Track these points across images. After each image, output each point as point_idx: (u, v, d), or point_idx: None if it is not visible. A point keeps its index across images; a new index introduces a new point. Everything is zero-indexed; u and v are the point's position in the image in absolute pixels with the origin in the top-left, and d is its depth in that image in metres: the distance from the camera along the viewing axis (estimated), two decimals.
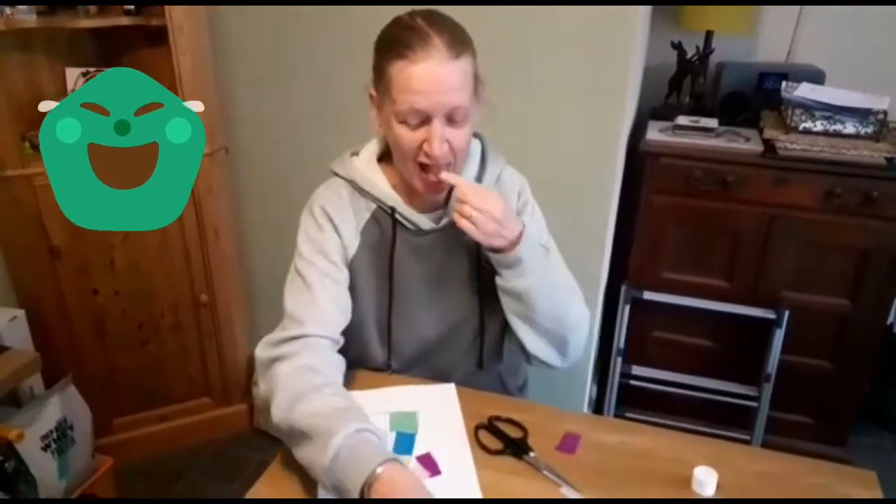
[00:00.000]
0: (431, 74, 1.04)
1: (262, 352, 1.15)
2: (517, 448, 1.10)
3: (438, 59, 1.04)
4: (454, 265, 1.26)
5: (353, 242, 1.21)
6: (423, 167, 1.12)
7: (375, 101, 1.14)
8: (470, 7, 1.71)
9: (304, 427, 1.00)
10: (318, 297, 1.16)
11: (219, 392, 2.36)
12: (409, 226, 1.22)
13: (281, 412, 1.04)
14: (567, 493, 1.01)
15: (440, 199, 1.23)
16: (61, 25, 1.90)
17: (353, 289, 1.22)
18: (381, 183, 1.22)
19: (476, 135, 1.27)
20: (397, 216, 1.21)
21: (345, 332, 1.21)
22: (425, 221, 1.22)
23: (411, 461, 1.07)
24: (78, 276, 2.02)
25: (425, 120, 1.08)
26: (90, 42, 2.08)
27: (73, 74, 2.02)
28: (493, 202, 1.10)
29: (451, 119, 1.08)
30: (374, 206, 1.22)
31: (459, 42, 1.07)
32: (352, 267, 1.22)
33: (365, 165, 1.23)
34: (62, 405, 1.84)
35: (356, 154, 1.26)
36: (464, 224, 1.09)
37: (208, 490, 2.18)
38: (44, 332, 2.01)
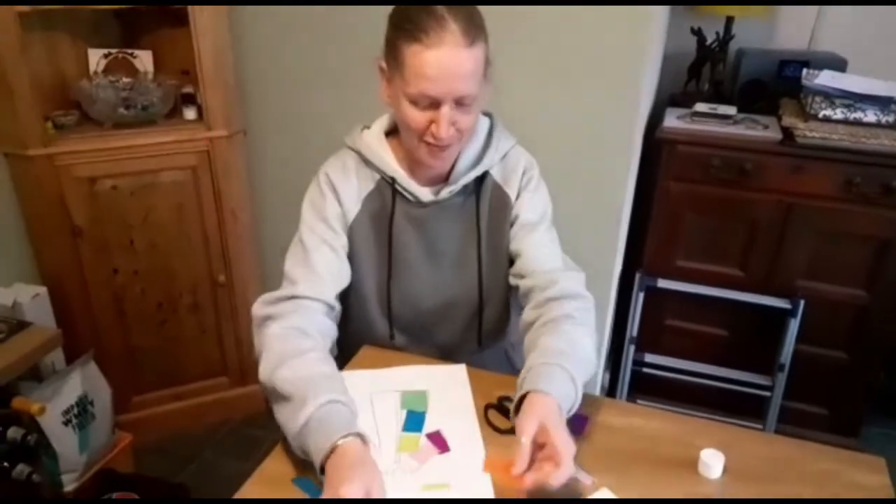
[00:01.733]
0: (445, 62, 1.05)
1: (257, 309, 1.19)
2: None
3: (453, 45, 1.04)
4: (452, 239, 1.28)
5: (353, 208, 1.25)
6: (428, 143, 1.14)
7: (386, 74, 1.16)
8: None
9: (283, 390, 1.04)
10: (314, 262, 1.20)
11: (235, 372, 2.40)
12: (409, 197, 1.24)
13: (266, 372, 1.08)
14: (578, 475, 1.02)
15: (442, 173, 1.25)
16: (84, 6, 1.92)
17: (352, 255, 1.26)
18: (386, 155, 1.25)
19: (487, 113, 1.29)
20: (397, 187, 1.24)
21: (347, 302, 1.27)
22: (425, 193, 1.24)
23: (421, 438, 1.09)
24: (98, 255, 2.05)
25: (434, 104, 1.09)
26: (112, 23, 2.11)
27: (95, 55, 2.05)
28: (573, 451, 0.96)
29: (459, 103, 1.10)
30: (378, 176, 1.26)
31: (474, 28, 1.07)
32: (351, 232, 1.25)
33: (373, 138, 1.26)
34: (83, 381, 1.88)
35: (368, 128, 1.29)
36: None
37: (224, 468, 2.22)
38: (65, 310, 2.05)
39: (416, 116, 1.11)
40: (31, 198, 1.98)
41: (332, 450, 0.94)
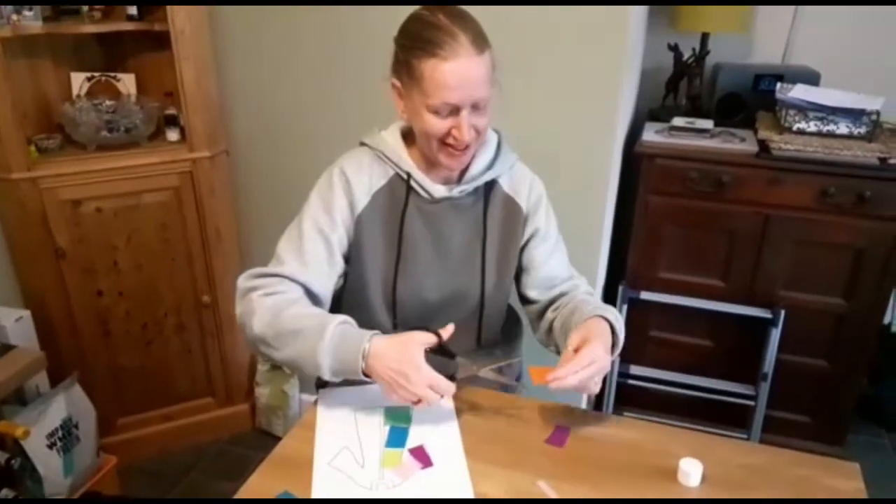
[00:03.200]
0: (462, 71, 1.13)
1: (242, 281, 1.26)
2: (443, 353, 1.15)
3: (467, 56, 1.13)
4: (460, 236, 1.33)
5: (363, 199, 1.29)
6: (449, 147, 1.22)
7: (400, 91, 1.22)
8: (467, 6, 1.75)
9: (293, 327, 1.16)
10: (306, 250, 1.26)
11: (221, 392, 2.39)
12: (422, 193, 1.30)
13: (264, 322, 1.18)
14: (543, 486, 1.03)
15: (455, 175, 1.31)
16: (66, 31, 1.93)
17: (358, 244, 1.30)
18: (403, 153, 1.30)
19: (494, 130, 1.37)
20: (412, 182, 1.29)
21: (347, 294, 1.35)
22: (438, 189, 1.29)
23: (404, 453, 1.10)
24: (83, 276, 2.05)
25: (455, 110, 1.17)
26: (95, 47, 2.12)
27: (78, 79, 2.06)
28: (590, 359, 1.12)
29: (475, 107, 1.18)
30: (392, 173, 1.31)
31: (482, 37, 1.16)
32: (359, 222, 1.29)
33: (392, 137, 1.32)
34: (67, 404, 1.87)
35: (384, 130, 1.35)
36: (594, 389, 1.15)
37: (211, 489, 2.21)
38: (49, 332, 2.04)
39: (438, 124, 1.18)
40: (14, 221, 1.98)
41: (369, 349, 1.10)
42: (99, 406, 2.00)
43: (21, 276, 2.08)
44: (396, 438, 1.14)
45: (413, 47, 1.16)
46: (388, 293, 1.33)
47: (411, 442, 1.13)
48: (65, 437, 1.85)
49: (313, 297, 1.26)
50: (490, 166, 1.32)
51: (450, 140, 1.20)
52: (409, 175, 1.29)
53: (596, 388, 1.14)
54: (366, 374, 1.12)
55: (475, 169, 1.31)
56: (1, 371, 1.74)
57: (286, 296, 1.21)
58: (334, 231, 1.28)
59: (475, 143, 1.24)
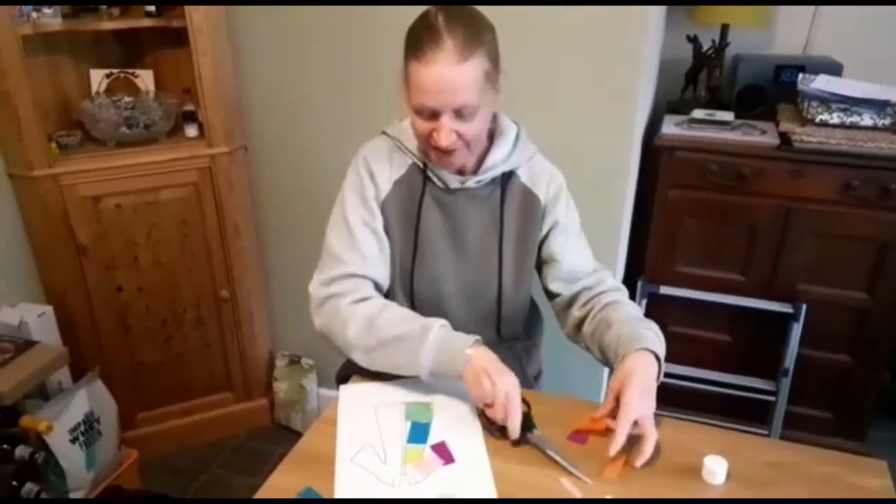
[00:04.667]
0: (438, 77, 1.12)
1: (315, 290, 1.29)
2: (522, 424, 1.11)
3: (446, 62, 1.11)
4: (475, 228, 1.33)
5: (385, 188, 1.32)
6: (434, 146, 1.21)
7: (403, 82, 1.21)
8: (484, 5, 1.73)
9: (393, 334, 1.19)
10: (359, 242, 1.29)
11: (240, 387, 2.41)
12: (438, 182, 1.31)
13: (361, 331, 1.21)
14: (567, 484, 1.03)
15: (471, 165, 1.31)
16: (85, 28, 1.94)
17: (385, 230, 1.32)
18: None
19: (513, 122, 1.35)
20: (428, 172, 1.30)
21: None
22: (453, 180, 1.30)
23: (426, 450, 1.10)
24: (103, 273, 2.07)
25: (435, 114, 1.16)
26: (113, 44, 2.13)
27: (97, 76, 2.07)
28: (632, 417, 1.08)
29: (459, 114, 1.16)
30: (410, 161, 1.32)
31: (471, 43, 1.13)
32: (384, 209, 1.31)
33: (409, 127, 1.31)
34: (89, 398, 1.89)
35: (404, 119, 1.34)
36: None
37: (230, 483, 2.23)
38: (71, 328, 2.06)
39: (421, 125, 1.20)
40: (35, 218, 2.00)
41: (471, 356, 1.13)
42: (119, 401, 2.02)
43: (43, 273, 2.09)
44: (418, 434, 1.13)
45: (407, 44, 1.16)
46: (406, 282, 1.34)
47: (433, 438, 1.12)
48: (87, 431, 1.87)
49: (380, 290, 1.30)
50: (507, 158, 1.32)
51: (432, 142, 1.20)
52: (425, 165, 1.29)
53: (650, 431, 1.07)
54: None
55: (491, 160, 1.30)
56: (24, 367, 1.76)
57: (374, 301, 1.25)
58: (376, 220, 1.30)
59: (463, 149, 1.22)
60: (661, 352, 1.21)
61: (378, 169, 1.31)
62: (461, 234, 1.33)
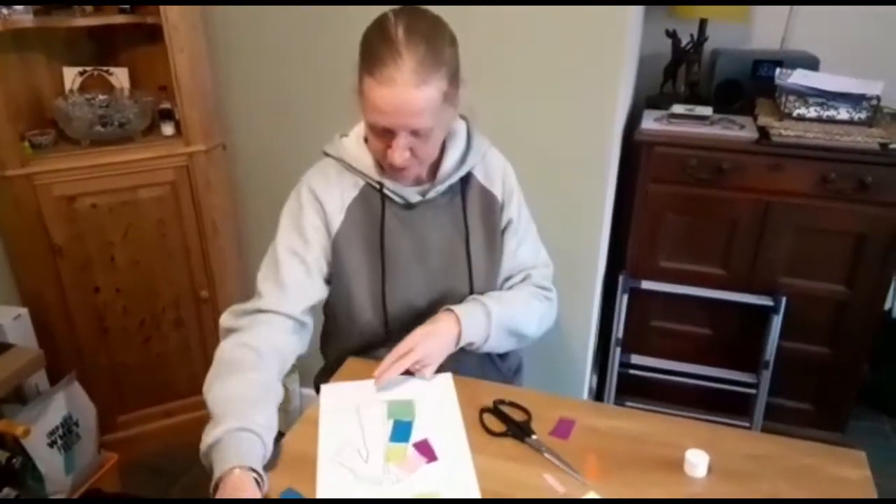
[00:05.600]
0: (393, 100, 1.07)
1: (224, 320, 1.24)
2: (519, 430, 1.12)
3: (403, 85, 1.06)
4: (440, 238, 1.31)
5: (337, 217, 1.26)
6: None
7: (358, 88, 1.16)
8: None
9: (210, 407, 1.08)
10: (283, 275, 1.24)
11: None
12: (397, 199, 1.27)
13: (206, 384, 1.13)
14: (550, 479, 1.03)
15: (424, 174, 1.27)
16: (57, 25, 1.91)
17: (339, 264, 1.28)
18: (368, 160, 1.26)
19: (462, 116, 1.31)
20: (385, 191, 1.26)
21: (337, 311, 1.33)
22: (412, 194, 1.27)
23: (409, 448, 1.09)
24: (79, 273, 2.03)
25: (390, 132, 1.12)
26: (87, 41, 2.10)
27: (70, 73, 2.04)
28: (408, 346, 1.21)
29: (415, 133, 1.13)
30: (362, 182, 1.28)
31: (430, 64, 1.07)
32: (336, 241, 1.27)
33: (353, 144, 1.28)
34: (67, 402, 1.86)
35: (345, 135, 1.31)
36: (425, 373, 1.23)
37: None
38: (47, 330, 2.03)
39: (374, 141, 1.17)
40: (9, 218, 1.96)
41: (221, 478, 0.97)
42: (98, 403, 1.99)
43: (18, 274, 2.06)
44: (400, 433, 1.13)
45: (363, 56, 1.11)
46: (378, 305, 1.31)
47: (415, 436, 1.12)
48: (65, 435, 1.84)
49: (297, 321, 1.24)
50: (462, 160, 1.29)
51: (387, 158, 1.16)
52: (381, 184, 1.26)
53: (427, 373, 1.22)
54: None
55: (446, 167, 1.27)
56: (0, 370, 1.73)
57: (244, 359, 1.14)
58: (309, 251, 1.26)
59: (417, 166, 1.20)
60: (467, 321, 1.25)
61: (326, 198, 1.26)
62: (427, 246, 1.30)
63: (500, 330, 1.30)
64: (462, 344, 1.26)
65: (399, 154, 1.14)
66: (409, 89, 1.06)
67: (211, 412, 1.07)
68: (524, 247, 1.38)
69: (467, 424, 1.14)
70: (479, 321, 1.27)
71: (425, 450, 1.09)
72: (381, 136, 1.14)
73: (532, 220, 1.42)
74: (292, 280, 1.24)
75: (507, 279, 1.39)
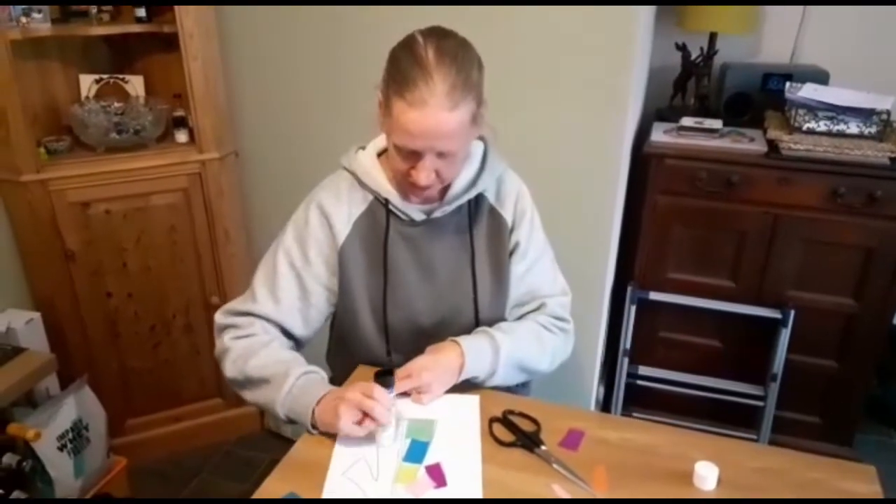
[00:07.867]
0: (424, 122, 1.07)
1: (219, 317, 1.31)
2: (529, 441, 1.12)
3: (435, 108, 1.06)
4: (446, 257, 1.30)
5: (343, 230, 1.28)
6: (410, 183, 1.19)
7: (382, 107, 1.17)
8: (473, 7, 1.74)
9: (259, 376, 1.19)
10: (278, 285, 1.28)
11: (230, 393, 2.39)
12: (402, 216, 1.27)
13: (236, 367, 1.22)
14: (557, 489, 1.03)
15: (435, 194, 1.27)
16: (74, 33, 1.94)
17: (345, 277, 1.29)
18: (379, 177, 1.27)
19: (480, 137, 1.31)
20: (391, 207, 1.27)
21: (341, 325, 1.35)
22: (417, 213, 1.27)
23: (420, 470, 1.07)
24: (92, 279, 2.05)
25: (416, 154, 1.13)
26: (103, 49, 2.13)
27: (87, 81, 2.07)
28: (408, 372, 1.20)
29: (441, 155, 1.14)
30: (371, 198, 1.29)
31: (461, 88, 1.08)
32: (342, 252, 1.28)
33: (367, 159, 1.29)
34: (77, 406, 1.87)
35: (363, 148, 1.32)
36: (423, 399, 1.21)
37: (220, 490, 2.21)
38: (59, 334, 2.05)
39: (399, 162, 1.17)
40: (24, 223, 1.98)
41: (317, 416, 1.11)
42: (108, 408, 2.00)
43: (31, 279, 2.08)
44: (415, 453, 1.11)
45: (393, 77, 1.10)
46: (380, 321, 1.31)
47: (429, 458, 1.10)
48: (75, 439, 1.85)
49: (288, 335, 1.28)
50: (474, 182, 1.28)
51: (410, 179, 1.17)
52: (387, 201, 1.26)
53: (424, 400, 1.20)
54: (315, 427, 1.14)
55: (457, 187, 1.27)
56: (12, 374, 1.75)
57: (258, 338, 1.24)
58: (307, 268, 1.27)
59: (438, 185, 1.20)
60: (471, 354, 1.23)
61: (334, 211, 1.27)
62: (431, 263, 1.30)
63: (509, 366, 1.27)
64: (464, 377, 1.23)
65: (425, 176, 1.14)
66: (441, 112, 1.06)
67: (262, 379, 1.19)
68: (536, 272, 1.36)
69: (483, 435, 1.14)
70: (484, 356, 1.25)
71: (436, 474, 1.07)
72: (407, 157, 1.14)
73: (549, 246, 1.40)
74: (286, 294, 1.28)
75: (521, 306, 1.37)
